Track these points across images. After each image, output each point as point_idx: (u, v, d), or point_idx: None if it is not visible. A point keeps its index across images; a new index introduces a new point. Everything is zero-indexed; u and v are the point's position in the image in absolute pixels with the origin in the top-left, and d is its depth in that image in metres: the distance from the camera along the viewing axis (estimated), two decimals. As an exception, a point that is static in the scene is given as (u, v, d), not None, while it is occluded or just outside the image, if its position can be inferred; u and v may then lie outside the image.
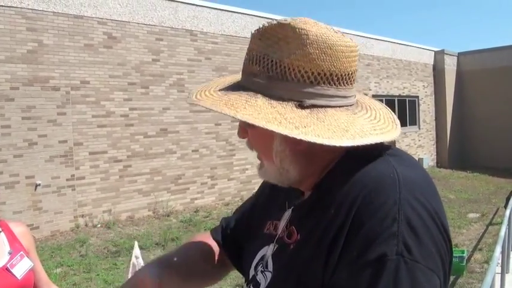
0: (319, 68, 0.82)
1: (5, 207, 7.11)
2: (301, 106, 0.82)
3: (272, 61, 0.84)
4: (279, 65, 0.83)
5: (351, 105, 0.89)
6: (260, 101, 0.83)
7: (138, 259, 2.13)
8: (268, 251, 0.97)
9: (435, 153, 17.54)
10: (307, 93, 0.83)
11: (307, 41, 0.81)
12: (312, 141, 0.77)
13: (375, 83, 14.70)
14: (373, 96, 14.52)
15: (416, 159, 16.31)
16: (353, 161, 0.84)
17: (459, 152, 17.27)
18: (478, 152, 16.86)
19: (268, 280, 0.93)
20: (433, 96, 17.50)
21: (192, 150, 9.78)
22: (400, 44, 15.86)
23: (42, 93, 7.58)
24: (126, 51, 8.69)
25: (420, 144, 16.77)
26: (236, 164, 10.47)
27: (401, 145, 15.68)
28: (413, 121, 16.61)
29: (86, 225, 8.02)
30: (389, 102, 15.43)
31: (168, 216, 8.91)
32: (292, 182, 0.93)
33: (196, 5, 9.91)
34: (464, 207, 9.97)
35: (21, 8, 7.33)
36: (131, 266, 2.10)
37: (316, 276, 0.79)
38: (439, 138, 17.51)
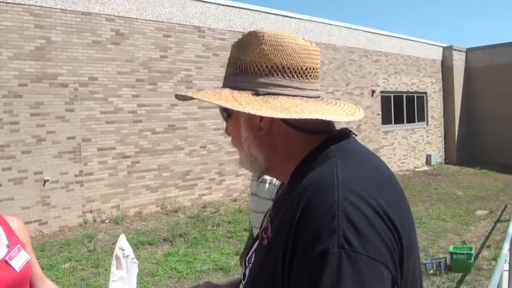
0: (271, 61, 0.96)
1: (14, 202, 7.18)
2: (257, 94, 0.95)
3: (240, 61, 1.00)
4: (244, 63, 0.99)
5: (311, 98, 0.98)
6: (224, 91, 0.98)
7: (124, 251, 2.16)
8: (255, 245, 1.07)
9: (443, 150, 17.43)
10: (262, 84, 0.96)
11: (262, 40, 0.97)
12: (246, 111, 0.90)
13: (383, 79, 14.62)
14: (381, 92, 14.45)
15: (425, 155, 16.28)
16: (309, 163, 0.92)
17: (467, 149, 17.15)
18: (487, 148, 16.71)
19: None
20: (442, 93, 17.37)
21: (200, 147, 9.81)
22: (408, 40, 15.73)
23: (51, 90, 7.63)
24: (134, 47, 8.71)
25: (428, 141, 16.67)
26: (243, 160, 10.44)
27: (409, 141, 15.61)
28: (422, 117, 16.52)
29: (94, 220, 8.08)
30: (398, 98, 15.35)
31: (176, 212, 8.95)
32: (264, 169, 1.03)
33: (204, 1, 9.90)
34: (472, 204, 9.91)
35: (29, 5, 7.37)
36: (114, 257, 2.13)
37: (280, 274, 0.84)
38: (448, 134, 17.39)
